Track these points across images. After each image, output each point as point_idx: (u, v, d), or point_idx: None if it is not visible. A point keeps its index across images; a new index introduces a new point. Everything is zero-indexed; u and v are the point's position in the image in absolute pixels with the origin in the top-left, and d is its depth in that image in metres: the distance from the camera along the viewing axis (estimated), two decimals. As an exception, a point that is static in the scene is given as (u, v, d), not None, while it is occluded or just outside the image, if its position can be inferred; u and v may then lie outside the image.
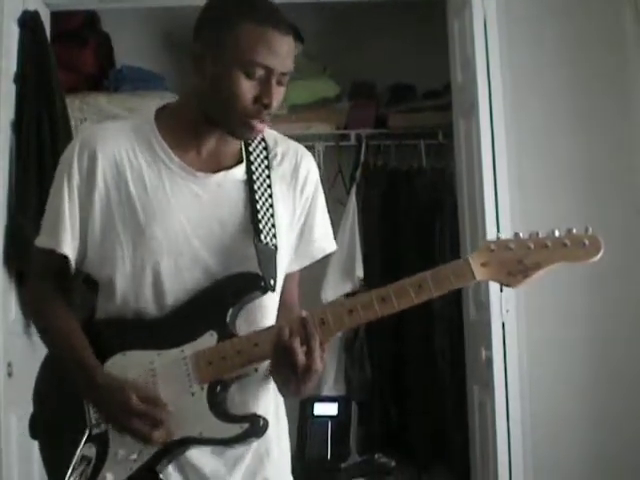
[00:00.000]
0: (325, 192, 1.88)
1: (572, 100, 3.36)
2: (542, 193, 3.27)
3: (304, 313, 1.60)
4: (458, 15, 3.49)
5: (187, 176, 1.72)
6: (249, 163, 1.76)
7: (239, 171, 1.75)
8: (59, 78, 3.53)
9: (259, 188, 1.74)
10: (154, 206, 1.69)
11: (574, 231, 1.58)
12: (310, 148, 4.05)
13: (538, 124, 3.35)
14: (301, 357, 1.57)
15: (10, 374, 3.08)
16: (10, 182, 3.27)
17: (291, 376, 1.59)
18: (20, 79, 3.37)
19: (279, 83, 1.67)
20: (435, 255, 3.95)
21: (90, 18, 4.32)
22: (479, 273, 1.59)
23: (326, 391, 3.92)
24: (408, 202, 4.19)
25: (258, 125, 1.67)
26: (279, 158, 1.81)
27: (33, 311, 1.88)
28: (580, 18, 3.39)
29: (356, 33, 4.48)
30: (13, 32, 3.36)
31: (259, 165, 1.77)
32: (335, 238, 1.90)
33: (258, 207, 1.72)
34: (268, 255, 1.70)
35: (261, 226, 1.71)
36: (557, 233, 1.58)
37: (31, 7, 3.44)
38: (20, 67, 3.38)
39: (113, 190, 1.70)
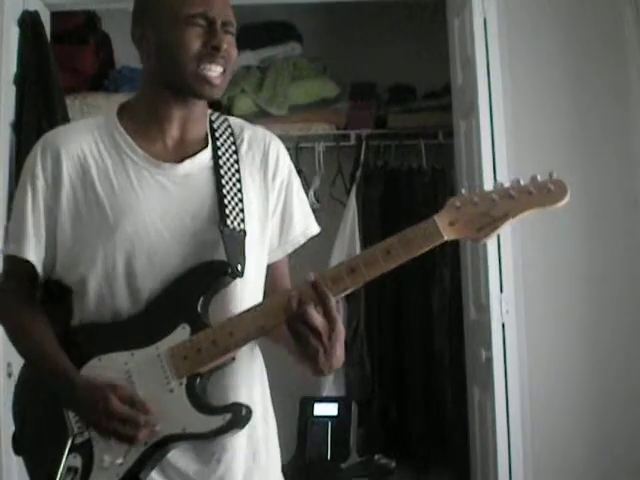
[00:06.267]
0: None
1: (572, 100, 3.35)
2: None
3: (313, 276, 1.53)
4: (458, 15, 3.48)
5: (153, 168, 1.69)
6: (215, 148, 1.73)
7: (205, 156, 1.72)
8: (59, 79, 3.53)
9: (226, 173, 1.71)
10: (122, 203, 1.66)
11: (538, 178, 1.55)
12: (310, 148, 4.13)
13: (538, 124, 3.34)
14: (320, 320, 1.50)
15: (10, 374, 3.07)
16: (10, 183, 3.26)
17: (318, 346, 1.50)
18: (20, 80, 3.37)
19: (226, 33, 1.67)
20: (435, 255, 3.94)
21: (90, 18, 4.32)
22: (447, 232, 1.54)
23: (326, 391, 3.92)
24: (408, 202, 4.18)
25: (212, 74, 1.65)
26: (246, 144, 1.78)
27: (2, 319, 1.79)
28: (580, 18, 3.38)
29: (356, 34, 4.48)
30: (13, 33, 3.36)
31: (226, 150, 1.74)
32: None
33: (225, 192, 1.68)
34: (235, 240, 1.65)
35: (227, 211, 1.66)
36: (522, 182, 1.55)
37: (31, 7, 3.44)
38: (20, 68, 3.38)
39: (79, 190, 1.67)
